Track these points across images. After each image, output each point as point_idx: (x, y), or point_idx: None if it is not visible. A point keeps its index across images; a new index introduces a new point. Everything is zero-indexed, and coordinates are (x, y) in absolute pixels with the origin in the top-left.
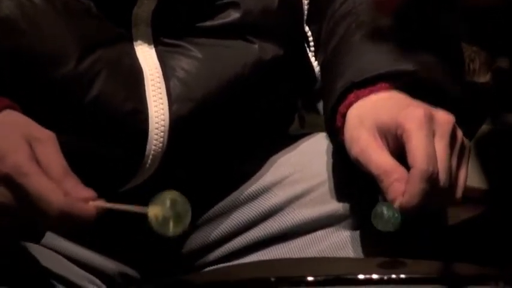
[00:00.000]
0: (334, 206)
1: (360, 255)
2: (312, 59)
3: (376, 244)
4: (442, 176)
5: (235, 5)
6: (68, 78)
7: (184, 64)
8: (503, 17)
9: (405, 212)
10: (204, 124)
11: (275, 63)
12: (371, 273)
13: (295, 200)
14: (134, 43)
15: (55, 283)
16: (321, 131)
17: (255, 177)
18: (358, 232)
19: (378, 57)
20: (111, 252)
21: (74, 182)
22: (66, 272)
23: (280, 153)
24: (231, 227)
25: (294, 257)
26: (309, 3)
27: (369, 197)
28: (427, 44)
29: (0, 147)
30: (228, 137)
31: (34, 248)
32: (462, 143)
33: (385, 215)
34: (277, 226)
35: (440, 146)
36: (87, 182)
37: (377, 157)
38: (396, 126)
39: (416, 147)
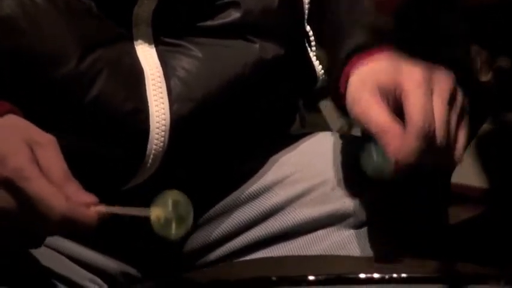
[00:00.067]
0: (335, 206)
1: (361, 254)
2: (313, 58)
3: (377, 243)
4: (439, 134)
5: (235, 5)
6: (69, 78)
7: (184, 64)
8: (503, 16)
9: (401, 169)
10: (204, 124)
11: (276, 62)
12: (372, 273)
13: (296, 199)
14: (135, 43)
15: (56, 283)
16: (322, 130)
17: (255, 176)
18: (359, 231)
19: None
20: (112, 252)
21: (75, 187)
22: (67, 271)
23: (281, 153)
24: (232, 226)
25: (295, 255)
26: (309, 3)
27: (370, 196)
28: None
29: (1, 150)
30: (229, 137)
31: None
32: (462, 104)
33: (375, 159)
34: (278, 225)
35: (438, 104)
36: (88, 181)
37: (376, 116)
38: (395, 87)
39: (414, 104)
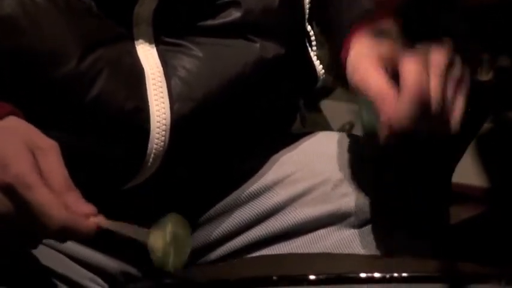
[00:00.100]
0: (336, 205)
1: (362, 253)
2: (314, 58)
3: (378, 243)
4: (434, 101)
5: (236, 4)
6: (69, 78)
7: (185, 63)
8: (503, 15)
9: (395, 134)
10: (205, 123)
11: (276, 62)
12: (373, 272)
13: (297, 198)
14: (135, 42)
15: (57, 282)
16: (323, 129)
17: (256, 176)
18: (360, 231)
19: None
20: (113, 251)
21: (75, 196)
22: (68, 271)
23: (281, 152)
24: (233, 225)
25: (296, 253)
26: (310, 2)
27: (371, 195)
28: None
29: (3, 155)
30: (230, 136)
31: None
32: (461, 76)
33: (364, 117)
34: (278, 225)
35: (434, 72)
36: (89, 180)
37: (374, 83)
38: (394, 57)
39: (409, 71)
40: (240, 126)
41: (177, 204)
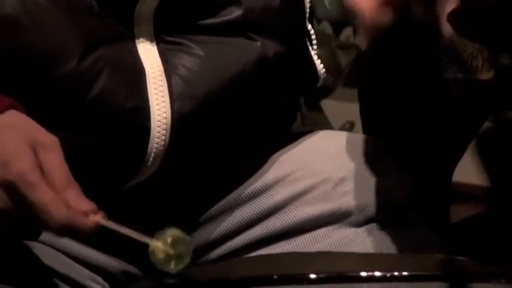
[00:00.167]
0: (337, 204)
1: (363, 252)
2: (315, 57)
3: (379, 241)
4: None
5: (236, 3)
6: (70, 76)
7: (186, 62)
8: (504, 14)
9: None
10: (206, 122)
11: (277, 60)
12: (373, 271)
13: (297, 197)
14: (136, 41)
15: (57, 281)
16: (323, 128)
17: (256, 175)
18: (360, 230)
19: None
20: (113, 250)
21: (76, 192)
22: (68, 270)
23: (282, 151)
24: (233, 224)
25: (297, 252)
26: (310, 1)
27: (371, 194)
28: None
29: (5, 152)
30: (230, 135)
31: (36, 247)
32: None
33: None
34: (279, 224)
35: None
36: (89, 179)
37: None
38: None
39: None
40: (240, 125)
41: (178, 203)
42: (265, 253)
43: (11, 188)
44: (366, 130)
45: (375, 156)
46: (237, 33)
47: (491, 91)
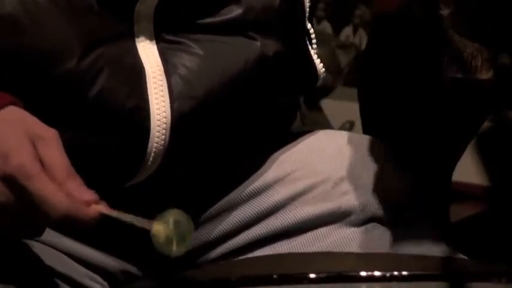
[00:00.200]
0: (337, 203)
1: (362, 252)
2: (314, 56)
3: (379, 241)
4: None
5: (236, 1)
6: (70, 76)
7: (185, 61)
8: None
9: None
10: (206, 121)
11: (277, 60)
12: (373, 270)
13: (297, 197)
14: (136, 40)
15: (56, 281)
16: (323, 128)
17: (256, 174)
18: (360, 229)
19: None
20: (112, 250)
21: (77, 183)
22: (67, 269)
23: (282, 151)
24: (233, 224)
25: (296, 253)
26: (310, 1)
27: (371, 194)
28: None
29: (4, 145)
30: (230, 134)
31: (35, 246)
32: None
33: None
34: (279, 223)
35: None
36: (89, 178)
37: None
38: None
39: None
40: (240, 125)
41: (178, 202)
42: (266, 252)
43: (11, 181)
44: (365, 130)
45: (374, 156)
46: (237, 32)
47: (490, 91)
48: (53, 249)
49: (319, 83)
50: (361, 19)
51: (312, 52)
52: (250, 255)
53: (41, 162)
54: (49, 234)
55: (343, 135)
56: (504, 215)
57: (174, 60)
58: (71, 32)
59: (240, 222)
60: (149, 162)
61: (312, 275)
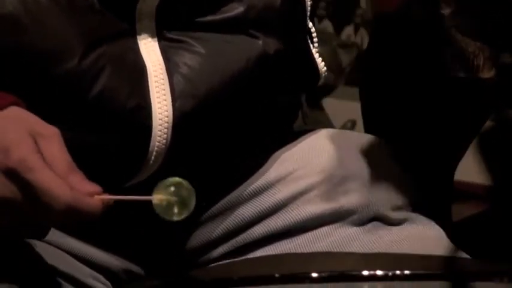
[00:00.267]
0: (338, 203)
1: (364, 251)
2: (316, 55)
3: (381, 240)
4: None
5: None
6: (71, 75)
7: (187, 60)
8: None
9: None
10: (207, 120)
11: (278, 58)
12: (375, 270)
13: (299, 196)
14: (138, 38)
15: (59, 280)
16: (324, 127)
17: (258, 173)
18: (363, 228)
19: None
20: (115, 249)
21: (79, 177)
22: (70, 269)
23: (283, 150)
24: (235, 223)
25: (298, 253)
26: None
27: (373, 193)
28: None
29: (5, 141)
30: (232, 133)
31: (38, 245)
32: None
33: None
34: (281, 222)
35: None
36: (90, 178)
37: None
38: None
39: None
40: (242, 123)
41: None
42: (267, 251)
43: (13, 175)
44: (367, 129)
45: (376, 155)
46: (239, 30)
47: (492, 90)
48: (56, 249)
49: (321, 82)
50: (362, 18)
51: (314, 51)
52: (252, 254)
53: (43, 158)
54: (53, 234)
55: (345, 134)
56: (506, 214)
57: (175, 58)
58: (72, 31)
59: (241, 221)
60: (151, 162)
61: (314, 275)
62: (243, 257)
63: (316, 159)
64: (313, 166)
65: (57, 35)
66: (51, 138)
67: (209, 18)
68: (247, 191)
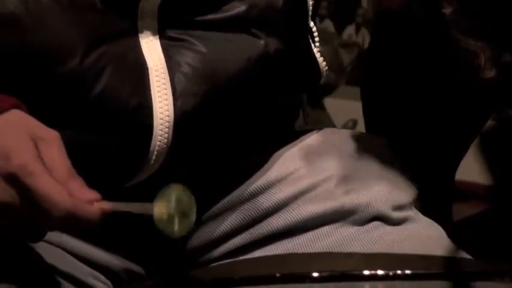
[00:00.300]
0: (339, 202)
1: (365, 251)
2: (317, 54)
3: (382, 240)
4: None
5: None
6: (73, 74)
7: (189, 59)
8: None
9: None
10: (208, 119)
11: (279, 57)
12: (376, 269)
13: (300, 195)
14: (140, 37)
15: (60, 279)
16: (325, 126)
17: (259, 172)
18: (364, 228)
19: None
20: (116, 249)
21: (79, 184)
22: (70, 268)
23: (284, 149)
24: (236, 223)
25: (299, 253)
26: None
27: (374, 192)
28: None
29: (6, 145)
30: (233, 133)
31: (38, 245)
32: None
33: None
34: (282, 222)
35: None
36: (92, 177)
37: None
38: None
39: None
40: (243, 123)
41: None
42: (269, 251)
43: (13, 180)
44: (368, 128)
45: (377, 155)
46: (240, 29)
47: (493, 90)
48: (57, 248)
49: (322, 80)
50: (363, 18)
51: (315, 50)
52: (252, 254)
53: (43, 162)
54: (53, 234)
55: (346, 133)
56: (507, 213)
57: (177, 57)
58: (74, 31)
59: (242, 220)
60: (152, 161)
61: (315, 274)
62: (244, 257)
63: (317, 158)
64: (314, 166)
65: (59, 35)
66: (52, 142)
67: (211, 16)
68: (248, 190)
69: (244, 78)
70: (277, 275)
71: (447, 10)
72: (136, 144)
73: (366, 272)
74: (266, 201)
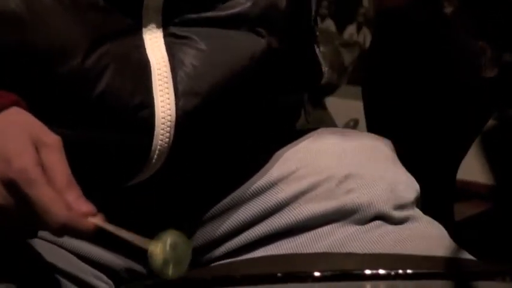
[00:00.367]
0: (341, 201)
1: (366, 250)
2: (319, 54)
3: (383, 239)
4: None
5: None
6: (75, 73)
7: (191, 57)
8: (507, 12)
9: None
10: (210, 119)
11: (282, 56)
12: (378, 269)
13: (301, 195)
14: (143, 34)
15: (61, 279)
16: (327, 126)
17: (260, 172)
18: (365, 227)
19: None
20: (117, 248)
21: (76, 194)
22: (72, 267)
23: (286, 149)
24: (237, 222)
25: (300, 252)
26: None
27: (375, 192)
28: None
29: (7, 149)
30: (234, 132)
31: (38, 244)
32: None
33: None
34: (283, 221)
35: None
36: (93, 177)
37: None
38: None
39: None
40: (244, 122)
41: (181, 201)
42: (270, 250)
43: (12, 185)
44: (370, 127)
45: (379, 154)
46: (243, 27)
47: (495, 89)
48: (58, 248)
49: (324, 80)
50: (365, 17)
51: (317, 50)
52: (254, 253)
53: (43, 168)
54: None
55: (348, 133)
56: (508, 213)
57: (180, 55)
58: (76, 30)
59: (244, 220)
60: (153, 160)
61: (317, 274)
62: (246, 256)
63: (319, 158)
64: (315, 165)
65: (60, 34)
66: (53, 147)
67: (214, 13)
68: (249, 190)
69: (245, 77)
70: (279, 274)
71: (448, 10)
72: (137, 144)
73: (368, 272)
74: (267, 200)
